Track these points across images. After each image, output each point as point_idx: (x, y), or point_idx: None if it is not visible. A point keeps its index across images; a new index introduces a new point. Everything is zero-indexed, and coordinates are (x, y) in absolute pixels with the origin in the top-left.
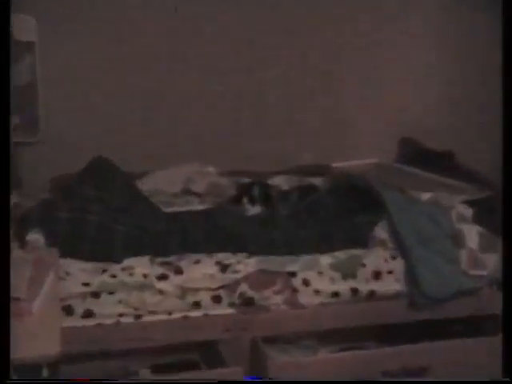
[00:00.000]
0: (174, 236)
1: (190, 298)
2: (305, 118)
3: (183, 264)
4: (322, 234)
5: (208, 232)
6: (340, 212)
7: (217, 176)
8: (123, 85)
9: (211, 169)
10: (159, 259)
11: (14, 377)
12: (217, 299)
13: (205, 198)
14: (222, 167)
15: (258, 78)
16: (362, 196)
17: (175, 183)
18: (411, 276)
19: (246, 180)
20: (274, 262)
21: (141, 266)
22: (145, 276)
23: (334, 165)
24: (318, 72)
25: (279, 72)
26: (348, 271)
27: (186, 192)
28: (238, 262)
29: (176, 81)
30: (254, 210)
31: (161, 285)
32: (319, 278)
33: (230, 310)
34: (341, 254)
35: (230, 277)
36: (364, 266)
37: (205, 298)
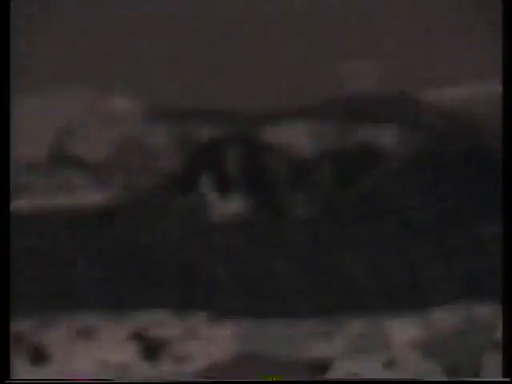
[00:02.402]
0: (27, 270)
1: None
2: None
3: (51, 338)
4: (393, 268)
5: (113, 260)
6: (437, 213)
7: (138, 121)
8: None
9: (124, 102)
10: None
11: None
12: None
13: (107, 176)
14: (150, 100)
15: None
16: (491, 172)
17: (35, 137)
18: None
19: (211, 132)
20: (278, 336)
21: None
22: None
23: (427, 95)
24: None
25: None
26: (460, 360)
27: (62, 160)
28: (189, 335)
29: None
30: (228, 205)
31: None
32: (389, 376)
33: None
34: (442, 318)
35: (167, 369)
36: (501, 346)
37: None
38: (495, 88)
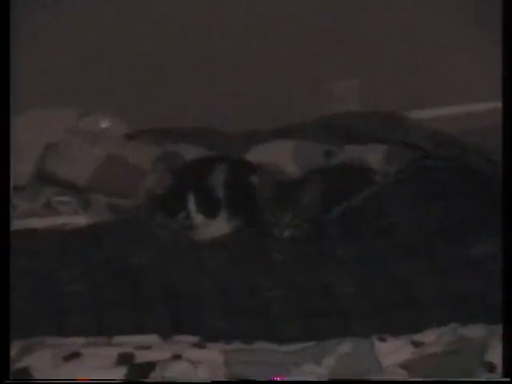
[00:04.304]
0: (12, 292)
1: None
2: (347, 16)
3: (36, 362)
4: (383, 289)
5: (99, 281)
6: (428, 232)
7: (121, 141)
8: None
9: (107, 122)
10: None
11: None
12: None
13: (91, 197)
14: (134, 119)
15: None
16: (482, 192)
17: (17, 158)
18: None
19: (196, 152)
20: (264, 359)
21: None
22: None
23: (415, 115)
24: None
25: None
26: (452, 377)
27: (45, 180)
28: (176, 358)
29: None
30: (214, 226)
31: None
32: None
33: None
34: (432, 340)
35: None
36: (492, 368)
37: None
38: (481, 107)
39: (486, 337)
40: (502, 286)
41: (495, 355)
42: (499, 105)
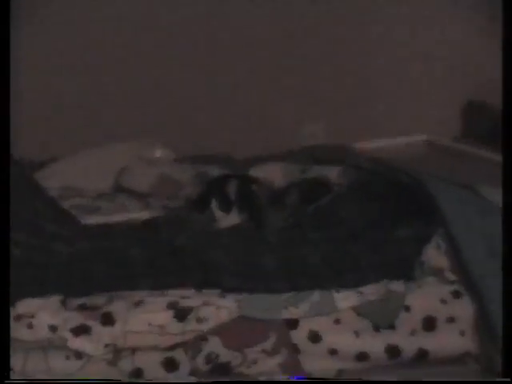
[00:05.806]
0: (99, 263)
1: (127, 364)
2: (313, 74)
3: (116, 308)
4: (339, 259)
5: (155, 255)
6: (368, 223)
7: (170, 164)
8: None
9: (160, 152)
10: (76, 301)
11: None
12: (171, 365)
13: (150, 201)
14: (178, 150)
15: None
16: (403, 196)
17: (101, 176)
18: (486, 325)
19: (218, 171)
20: (263, 304)
21: (45, 313)
22: (52, 328)
23: (359, 145)
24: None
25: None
26: (382, 318)
27: (120, 190)
28: (206, 304)
29: None
30: (229, 219)
31: (79, 343)
32: (336, 330)
33: (191, 382)
34: (371, 291)
35: (191, 328)
36: (408, 309)
37: (151, 363)
38: (409, 140)
39: (404, 290)
40: (502, 289)
41: (410, 301)
42: (417, 138)
